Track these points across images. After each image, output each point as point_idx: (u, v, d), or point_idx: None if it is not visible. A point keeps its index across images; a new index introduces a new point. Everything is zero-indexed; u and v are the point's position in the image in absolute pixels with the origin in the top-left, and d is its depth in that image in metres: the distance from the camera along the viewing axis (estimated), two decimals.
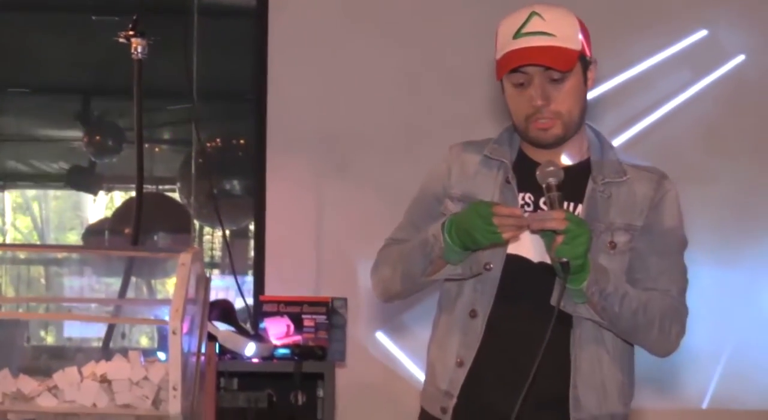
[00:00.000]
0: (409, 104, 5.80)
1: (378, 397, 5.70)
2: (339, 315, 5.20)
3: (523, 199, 3.09)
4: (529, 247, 3.06)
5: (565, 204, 3.01)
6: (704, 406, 5.80)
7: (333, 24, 5.85)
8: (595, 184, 3.09)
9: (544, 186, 2.94)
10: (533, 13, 3.02)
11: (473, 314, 3.11)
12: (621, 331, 3.06)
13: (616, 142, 5.70)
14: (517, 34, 3.01)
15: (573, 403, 3.08)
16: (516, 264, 3.07)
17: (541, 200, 3.06)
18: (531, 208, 3.08)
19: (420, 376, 5.53)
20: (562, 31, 3.01)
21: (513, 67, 2.99)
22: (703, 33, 5.85)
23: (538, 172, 2.97)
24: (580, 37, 3.06)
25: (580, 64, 3.05)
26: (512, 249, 3.06)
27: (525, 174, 3.08)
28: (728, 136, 5.83)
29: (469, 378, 3.11)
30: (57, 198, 12.15)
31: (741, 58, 5.85)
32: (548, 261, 3.01)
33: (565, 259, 2.86)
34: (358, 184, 5.76)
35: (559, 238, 2.86)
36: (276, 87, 5.81)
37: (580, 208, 3.07)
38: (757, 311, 5.78)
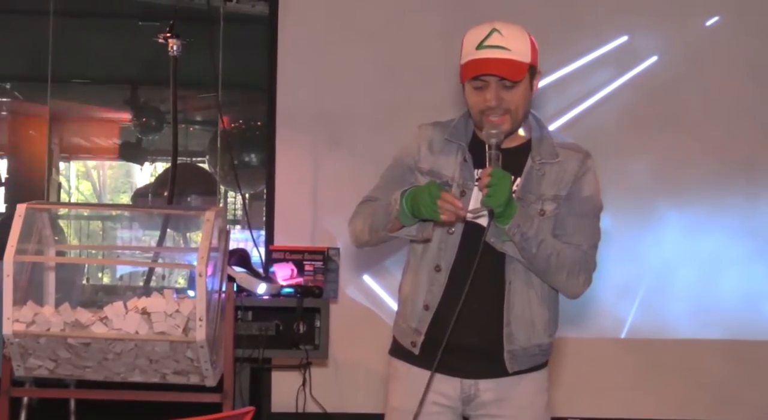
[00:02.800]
0: (389, 91, 5.78)
1: (364, 327, 5.69)
2: (333, 261, 5.19)
3: (477, 174, 3.05)
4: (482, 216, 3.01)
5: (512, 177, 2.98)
6: (622, 335, 5.79)
7: (328, 29, 5.82)
8: (533, 163, 3.05)
9: (487, 145, 2.93)
10: (494, 30, 2.97)
11: (438, 269, 3.08)
12: (536, 271, 3.04)
13: (557, 123, 5.71)
14: (480, 46, 2.96)
15: (506, 337, 3.07)
16: (472, 229, 3.03)
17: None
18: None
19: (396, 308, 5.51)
20: (516, 46, 2.97)
21: (474, 75, 2.96)
22: (624, 38, 5.82)
23: (483, 132, 2.97)
24: (530, 51, 3.01)
25: (528, 74, 3.01)
26: (470, 218, 3.03)
27: (478, 154, 3.03)
28: (644, 119, 5.81)
29: (433, 320, 3.10)
30: (112, 167, 12.09)
31: (654, 58, 5.82)
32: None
33: (489, 208, 2.89)
34: (348, 156, 5.73)
35: (485, 191, 2.87)
36: (284, 79, 5.78)
37: (519, 180, 3.03)
38: (666, 258, 5.77)
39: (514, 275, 3.04)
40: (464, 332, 3.00)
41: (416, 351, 3.13)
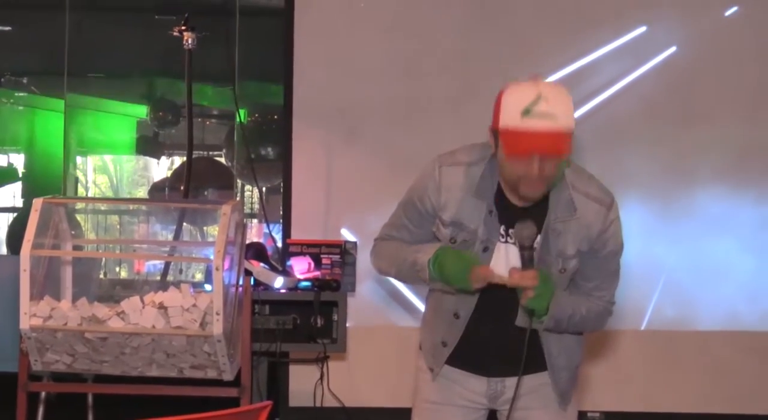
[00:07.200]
0: (407, 84, 5.75)
1: (381, 320, 5.69)
2: (350, 254, 5.19)
3: (500, 230, 2.98)
4: (501, 270, 2.95)
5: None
6: (643, 327, 5.77)
7: (345, 21, 5.81)
8: (550, 221, 2.95)
9: (518, 245, 2.87)
10: (540, 97, 2.76)
11: (456, 316, 3.08)
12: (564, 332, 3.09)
13: (575, 115, 5.65)
14: (525, 113, 2.76)
15: (554, 383, 3.13)
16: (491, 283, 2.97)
17: (511, 230, 2.96)
18: (503, 239, 2.99)
19: (414, 303, 5.51)
20: (562, 114, 2.79)
21: (521, 153, 2.80)
22: (642, 29, 5.79)
23: (515, 232, 2.89)
24: (573, 115, 2.85)
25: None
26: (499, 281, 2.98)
27: (502, 208, 2.96)
28: (662, 112, 5.78)
29: (452, 354, 3.13)
30: (129, 161, 12.09)
31: (673, 49, 5.79)
32: None
33: (531, 308, 2.87)
34: (364, 149, 5.72)
35: (529, 292, 2.83)
36: (300, 72, 5.76)
37: (539, 238, 2.95)
38: (684, 252, 5.75)
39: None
40: (493, 353, 3.06)
41: (432, 378, 3.19)
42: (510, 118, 2.79)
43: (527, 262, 2.86)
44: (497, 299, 2.98)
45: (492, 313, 3.03)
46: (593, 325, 3.09)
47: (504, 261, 2.98)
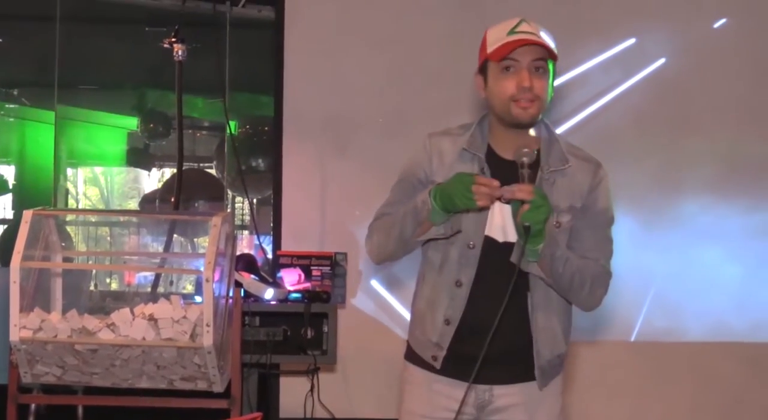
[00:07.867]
0: (396, 96, 5.78)
1: (371, 331, 5.70)
2: (340, 266, 5.19)
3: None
4: (497, 230, 3.01)
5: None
6: (632, 339, 5.78)
7: (335, 33, 5.83)
8: (543, 174, 3.03)
9: (519, 163, 2.89)
10: (522, 20, 3.00)
11: (458, 284, 3.06)
12: (559, 288, 3.04)
13: (565, 126, 5.70)
14: (512, 32, 2.96)
15: (536, 355, 3.08)
16: (490, 244, 3.03)
17: (504, 187, 2.97)
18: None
19: (404, 314, 5.51)
20: (546, 37, 2.99)
21: (512, 49, 2.93)
22: (632, 41, 5.83)
23: (514, 152, 2.92)
24: (555, 46, 3.02)
25: (553, 67, 3.03)
26: (487, 231, 3.02)
27: (494, 166, 3.03)
28: (652, 123, 5.81)
29: (456, 334, 3.09)
30: (119, 173, 12.07)
31: (662, 60, 5.82)
32: (511, 239, 2.99)
33: (527, 224, 2.83)
34: (355, 161, 5.74)
35: (525, 206, 2.82)
36: (290, 83, 5.77)
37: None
38: (674, 263, 5.76)
39: (535, 289, 3.04)
40: (489, 347, 2.98)
41: (438, 365, 3.14)
42: (497, 39, 2.98)
43: (526, 180, 2.89)
44: (497, 266, 3.00)
45: (492, 285, 3.01)
46: (590, 287, 3.04)
47: (499, 220, 3.02)
